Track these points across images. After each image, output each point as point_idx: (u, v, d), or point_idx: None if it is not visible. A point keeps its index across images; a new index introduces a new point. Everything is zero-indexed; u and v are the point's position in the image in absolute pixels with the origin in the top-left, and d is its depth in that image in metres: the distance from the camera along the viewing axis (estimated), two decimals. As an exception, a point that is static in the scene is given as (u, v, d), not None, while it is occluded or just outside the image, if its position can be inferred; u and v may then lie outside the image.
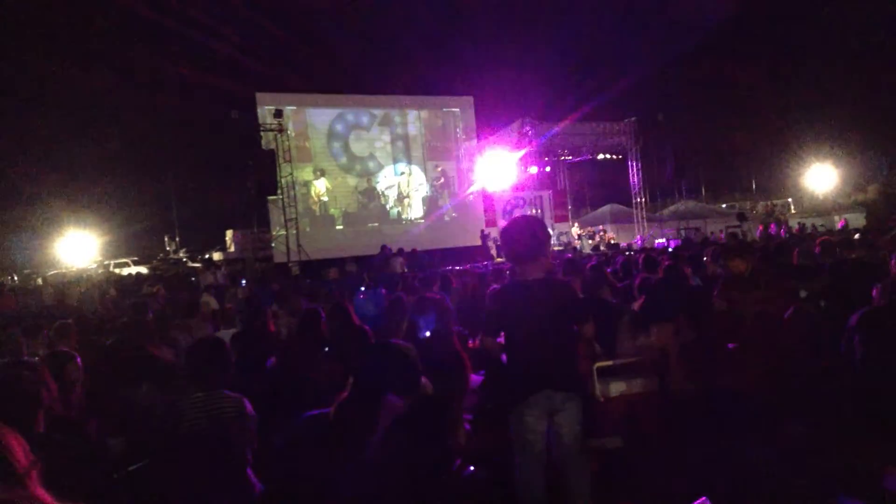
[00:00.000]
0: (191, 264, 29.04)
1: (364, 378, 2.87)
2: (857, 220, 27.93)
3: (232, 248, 28.45)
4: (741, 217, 21.06)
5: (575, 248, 23.30)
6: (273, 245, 22.33)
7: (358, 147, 24.07)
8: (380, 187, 24.47)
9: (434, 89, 28.05)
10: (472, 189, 25.93)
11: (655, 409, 4.38)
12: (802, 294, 4.97)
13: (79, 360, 3.76)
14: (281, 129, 21.13)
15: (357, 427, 2.70)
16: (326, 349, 4.84)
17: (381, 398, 2.74)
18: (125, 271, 26.99)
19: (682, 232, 25.19)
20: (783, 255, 7.72)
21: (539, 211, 25.79)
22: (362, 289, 9.11)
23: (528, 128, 24.46)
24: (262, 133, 21.20)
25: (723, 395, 3.97)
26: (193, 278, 20.78)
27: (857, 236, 12.10)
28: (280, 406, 3.73)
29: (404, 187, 24.83)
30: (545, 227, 3.67)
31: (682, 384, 4.27)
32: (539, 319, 3.30)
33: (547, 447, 3.34)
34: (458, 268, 15.34)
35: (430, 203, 25.37)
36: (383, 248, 19.18)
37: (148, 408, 3.55)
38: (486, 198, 26.53)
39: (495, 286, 4.55)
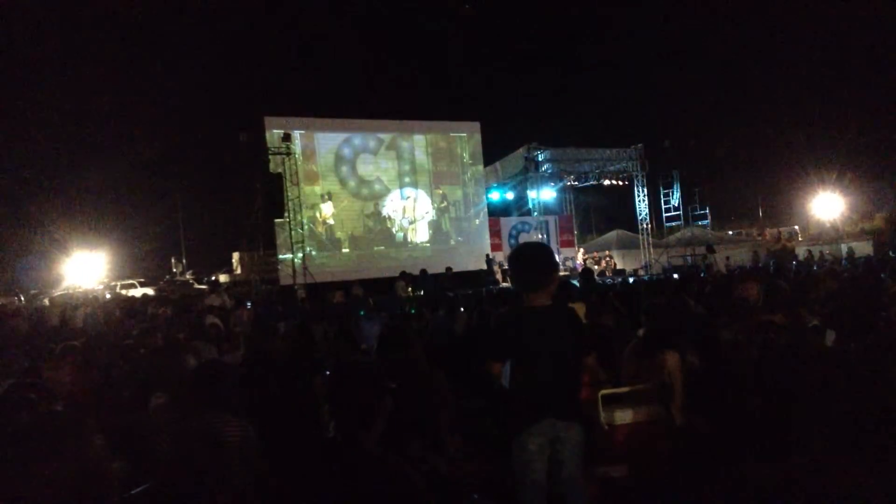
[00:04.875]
0: (197, 286, 29.09)
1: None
2: (864, 248, 27.80)
3: (238, 270, 28.49)
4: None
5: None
6: (279, 268, 22.35)
7: (365, 171, 24.16)
8: (386, 211, 24.52)
9: (441, 114, 28.19)
10: (478, 213, 25.98)
11: (660, 437, 4.35)
12: (815, 323, 4.92)
13: None
14: (289, 153, 21.27)
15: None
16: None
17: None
18: (131, 292, 27.04)
19: (689, 259, 25.10)
20: (801, 285, 7.61)
21: (545, 236, 25.78)
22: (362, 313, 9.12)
23: (534, 153, 24.57)
24: (269, 156, 21.32)
25: (729, 424, 3.94)
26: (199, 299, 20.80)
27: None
28: (283, 429, 3.72)
29: (410, 211, 24.88)
30: (553, 255, 3.69)
31: (688, 413, 4.25)
32: (545, 347, 3.30)
33: (548, 475, 3.32)
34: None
35: (436, 227, 25.42)
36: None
37: (153, 430, 3.53)
38: (492, 222, 26.59)
39: (501, 311, 4.55)
